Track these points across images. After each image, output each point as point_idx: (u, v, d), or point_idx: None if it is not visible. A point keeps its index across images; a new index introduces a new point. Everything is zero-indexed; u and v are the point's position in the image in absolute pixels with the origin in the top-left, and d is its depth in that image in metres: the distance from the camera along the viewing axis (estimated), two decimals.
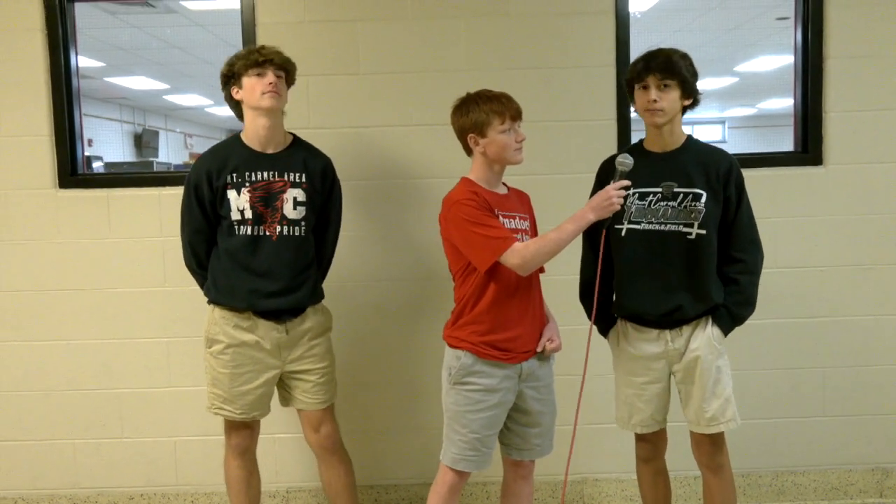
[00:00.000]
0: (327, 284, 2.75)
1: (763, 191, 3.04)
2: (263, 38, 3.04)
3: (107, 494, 3.28)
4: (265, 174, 2.54)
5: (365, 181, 3.15)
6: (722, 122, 14.31)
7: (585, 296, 2.55)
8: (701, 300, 2.39)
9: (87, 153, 3.49)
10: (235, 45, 3.00)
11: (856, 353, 3.21)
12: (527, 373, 2.36)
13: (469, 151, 2.38)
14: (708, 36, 7.18)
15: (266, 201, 2.53)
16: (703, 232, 2.36)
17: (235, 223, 2.53)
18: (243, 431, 2.66)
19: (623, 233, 2.42)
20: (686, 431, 2.50)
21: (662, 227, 2.38)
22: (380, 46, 3.13)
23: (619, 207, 2.26)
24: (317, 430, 2.66)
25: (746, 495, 3.24)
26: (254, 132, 2.56)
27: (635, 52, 2.70)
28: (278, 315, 2.55)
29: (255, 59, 2.49)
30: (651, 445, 2.56)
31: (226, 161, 2.55)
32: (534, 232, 2.47)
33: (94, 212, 3.17)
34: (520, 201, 2.46)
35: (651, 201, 2.38)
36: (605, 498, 3.27)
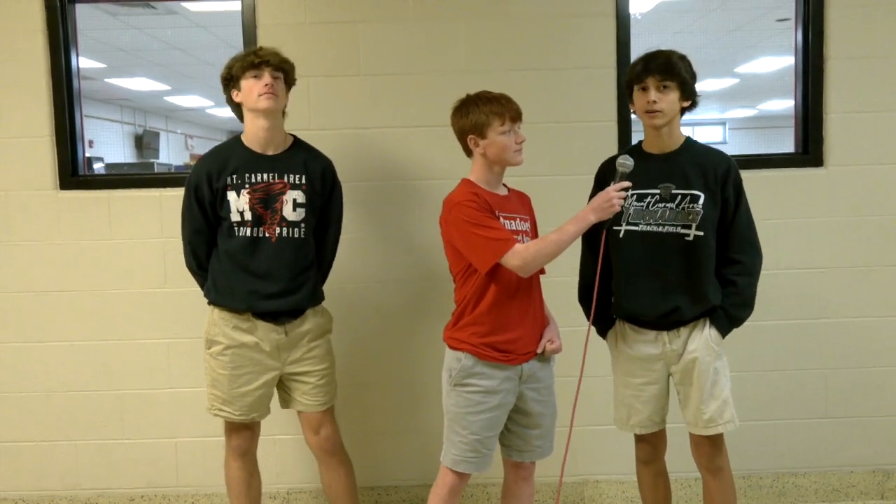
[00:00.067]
0: (327, 285, 2.75)
1: (763, 192, 3.04)
2: (264, 40, 3.04)
3: (107, 495, 3.28)
4: (265, 176, 2.54)
5: (365, 182, 3.15)
6: (722, 123, 14.33)
7: (585, 297, 2.55)
8: (699, 302, 2.38)
9: (87, 154, 3.49)
10: (236, 47, 3.00)
11: (857, 355, 3.20)
12: (527, 374, 2.36)
13: (469, 153, 2.38)
14: (708, 37, 7.19)
15: (265, 203, 2.53)
16: (701, 233, 2.35)
17: (235, 224, 2.53)
18: (243, 433, 2.66)
19: (621, 234, 2.41)
20: (686, 433, 2.49)
21: (660, 229, 2.37)
22: (380, 48, 3.13)
23: (619, 208, 2.26)
24: (317, 432, 2.66)
25: (747, 497, 3.24)
26: (253, 134, 2.56)
27: (636, 53, 2.69)
28: (277, 317, 2.55)
29: (251, 60, 2.49)
30: (651, 447, 2.56)
31: (226, 162, 2.55)
32: (534, 233, 2.47)
33: (95, 213, 3.17)
34: (520, 203, 2.46)
35: (649, 203, 2.38)
36: (606, 499, 3.27)
